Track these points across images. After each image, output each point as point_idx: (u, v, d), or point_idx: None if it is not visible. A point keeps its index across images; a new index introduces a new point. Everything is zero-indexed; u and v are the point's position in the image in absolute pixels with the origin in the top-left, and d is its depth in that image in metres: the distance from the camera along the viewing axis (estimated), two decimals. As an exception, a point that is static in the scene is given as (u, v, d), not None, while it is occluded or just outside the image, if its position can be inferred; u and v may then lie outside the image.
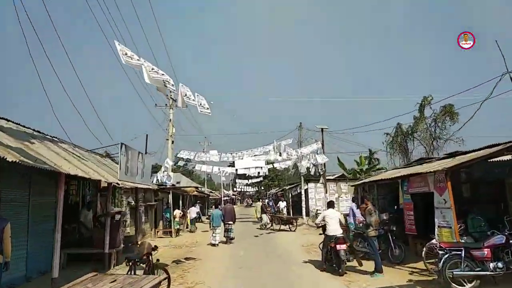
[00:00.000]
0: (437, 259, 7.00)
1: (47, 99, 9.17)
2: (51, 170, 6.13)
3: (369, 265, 9.07)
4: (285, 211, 25.09)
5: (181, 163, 30.48)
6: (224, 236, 15.15)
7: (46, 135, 9.45)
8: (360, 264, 8.94)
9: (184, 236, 18.44)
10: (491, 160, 8.81)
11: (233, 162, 26.32)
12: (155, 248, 6.51)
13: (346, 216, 12.50)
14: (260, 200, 31.19)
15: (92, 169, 8.91)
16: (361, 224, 10.66)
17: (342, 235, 8.96)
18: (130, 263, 5.89)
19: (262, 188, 79.54)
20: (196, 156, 24.14)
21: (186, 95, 10.28)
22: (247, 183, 59.11)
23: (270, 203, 28.55)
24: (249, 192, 73.61)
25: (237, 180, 64.19)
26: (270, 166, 29.59)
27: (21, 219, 7.81)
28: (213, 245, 14.43)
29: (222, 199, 43.74)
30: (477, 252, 6.72)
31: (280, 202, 25.37)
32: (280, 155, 22.48)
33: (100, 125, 13.21)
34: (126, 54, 7.78)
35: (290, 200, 31.47)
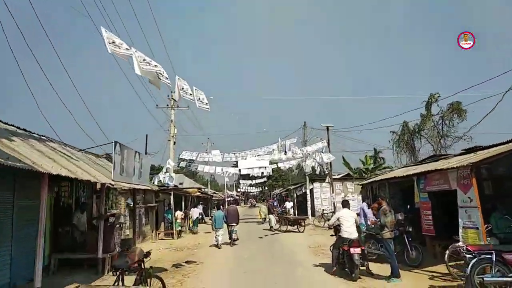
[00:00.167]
0: (462, 263, 6.38)
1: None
2: (28, 169, 5.43)
3: (382, 269, 8.38)
4: (292, 211, 24.30)
5: (183, 164, 29.92)
6: (229, 238, 14.58)
7: (33, 133, 8.76)
8: (371, 274, 8.25)
9: (186, 238, 17.95)
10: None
11: (237, 162, 25.79)
12: (148, 254, 5.80)
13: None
14: (266, 201, 30.57)
15: (82, 169, 8.22)
16: (373, 225, 9.91)
17: (357, 237, 8.24)
18: (118, 273, 5.18)
19: (266, 188, 79.05)
20: (198, 156, 23.67)
21: (183, 88, 9.66)
22: (250, 184, 58.79)
23: (275, 203, 27.91)
24: (252, 192, 73.14)
25: (240, 181, 63.93)
26: (274, 166, 29.06)
27: (5, 223, 7.20)
28: (216, 247, 13.86)
29: (226, 200, 43.17)
30: (510, 256, 5.97)
31: (287, 203, 24.52)
32: (285, 153, 21.88)
33: (100, 126, 12.62)
34: (113, 42, 7.04)
35: (295, 200, 30.79)
